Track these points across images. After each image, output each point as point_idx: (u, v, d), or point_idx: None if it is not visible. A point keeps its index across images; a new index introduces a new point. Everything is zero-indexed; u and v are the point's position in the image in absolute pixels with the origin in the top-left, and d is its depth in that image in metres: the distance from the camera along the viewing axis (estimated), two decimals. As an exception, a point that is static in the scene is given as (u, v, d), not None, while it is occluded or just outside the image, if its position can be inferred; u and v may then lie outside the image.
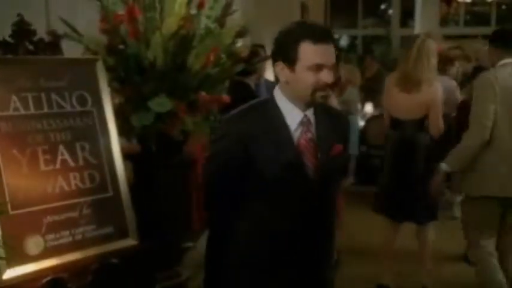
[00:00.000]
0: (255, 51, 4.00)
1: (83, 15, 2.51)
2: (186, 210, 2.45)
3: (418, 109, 3.49)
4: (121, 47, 2.28)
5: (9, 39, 1.96)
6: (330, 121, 1.83)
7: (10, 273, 1.70)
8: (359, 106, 6.65)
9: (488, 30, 3.47)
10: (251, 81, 3.98)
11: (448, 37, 7.66)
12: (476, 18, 10.09)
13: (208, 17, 2.40)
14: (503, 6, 9.85)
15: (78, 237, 1.90)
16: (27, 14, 2.01)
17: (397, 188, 3.59)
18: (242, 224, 1.78)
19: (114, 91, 2.25)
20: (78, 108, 2.02)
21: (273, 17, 4.99)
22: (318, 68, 1.65)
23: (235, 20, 2.50)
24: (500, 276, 3.07)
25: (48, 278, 1.79)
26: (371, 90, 6.42)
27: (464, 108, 3.76)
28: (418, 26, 8.99)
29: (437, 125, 3.51)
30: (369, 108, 6.76)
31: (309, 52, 1.65)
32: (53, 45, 2.08)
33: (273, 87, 1.81)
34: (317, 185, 1.76)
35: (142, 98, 2.24)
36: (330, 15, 10.40)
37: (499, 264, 3.16)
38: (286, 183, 1.73)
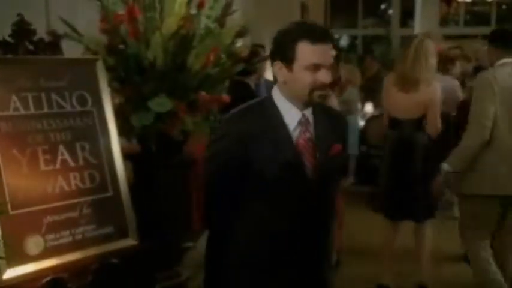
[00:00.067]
0: (255, 51, 4.01)
1: (83, 15, 2.51)
2: (186, 210, 2.45)
3: (416, 109, 3.50)
4: (121, 47, 2.28)
5: (9, 39, 1.96)
6: (328, 121, 1.83)
7: (10, 273, 1.70)
8: (359, 106, 6.66)
9: (488, 30, 3.47)
10: (251, 81, 3.98)
11: (448, 37, 7.66)
12: (476, 18, 10.09)
13: (208, 17, 2.40)
14: (503, 6, 9.86)
15: (78, 237, 1.90)
16: (27, 14, 2.01)
17: (396, 188, 3.60)
18: (242, 224, 1.78)
19: (114, 91, 2.25)
20: (78, 108, 2.02)
21: (273, 17, 4.99)
22: (316, 67, 1.66)
23: (235, 20, 2.50)
24: (499, 275, 3.07)
25: (48, 278, 1.79)
26: (371, 90, 6.42)
27: (464, 108, 3.76)
28: (418, 26, 8.99)
29: (435, 125, 3.52)
30: (368, 108, 6.77)
31: (306, 52, 1.65)
32: (53, 45, 2.08)
33: (273, 87, 1.81)
34: (316, 184, 1.76)
35: (142, 98, 2.23)
36: (330, 15, 10.41)
37: (498, 265, 3.17)
38: (285, 183, 1.73)
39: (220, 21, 2.41)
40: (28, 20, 1.99)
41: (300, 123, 1.75)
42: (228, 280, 1.81)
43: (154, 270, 2.37)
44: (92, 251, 1.91)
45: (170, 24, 2.22)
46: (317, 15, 9.15)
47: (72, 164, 1.94)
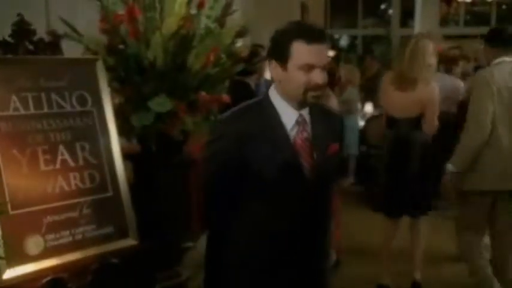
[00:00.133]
0: (255, 51, 4.01)
1: (83, 15, 2.52)
2: (186, 210, 2.45)
3: (413, 107, 3.50)
4: (121, 47, 2.28)
5: (9, 39, 1.97)
6: (325, 121, 1.83)
7: (10, 273, 1.70)
8: (359, 106, 6.67)
9: (488, 30, 3.49)
10: (251, 81, 3.99)
11: (448, 37, 7.67)
12: (476, 18, 10.10)
13: (208, 17, 2.40)
14: (503, 6, 9.86)
15: (78, 237, 1.90)
16: (27, 14, 2.01)
17: (395, 186, 3.60)
18: (241, 224, 1.78)
19: (114, 91, 2.25)
20: (78, 108, 2.02)
21: (273, 17, 4.99)
22: (310, 68, 1.65)
23: (235, 20, 2.50)
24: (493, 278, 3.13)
25: (48, 278, 1.79)
26: (371, 90, 6.42)
27: (463, 107, 3.77)
28: (418, 26, 8.99)
29: (432, 124, 3.54)
30: (368, 108, 6.77)
31: (301, 51, 1.65)
32: (53, 45, 2.08)
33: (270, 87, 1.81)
34: (313, 184, 1.76)
35: (142, 98, 2.24)
36: (330, 15, 10.42)
37: (498, 265, 3.19)
38: (282, 182, 1.73)
39: (220, 21, 2.41)
40: (28, 20, 2.00)
41: (297, 123, 1.75)
42: (228, 280, 1.81)
43: (154, 270, 2.37)
44: (92, 251, 1.91)
45: (170, 24, 2.22)
46: (317, 15, 9.16)
47: (72, 164, 1.94)
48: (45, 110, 1.93)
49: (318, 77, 1.66)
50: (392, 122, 3.63)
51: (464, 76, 5.37)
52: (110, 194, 2.03)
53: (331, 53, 8.96)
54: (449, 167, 3.09)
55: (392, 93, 3.55)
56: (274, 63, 1.72)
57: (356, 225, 4.72)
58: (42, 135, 1.89)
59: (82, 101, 2.04)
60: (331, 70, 4.35)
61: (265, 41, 1.77)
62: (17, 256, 1.73)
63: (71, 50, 2.24)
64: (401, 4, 10.14)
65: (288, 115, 1.75)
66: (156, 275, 2.38)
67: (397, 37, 9.56)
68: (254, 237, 1.78)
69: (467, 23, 9.96)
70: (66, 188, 1.91)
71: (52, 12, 2.55)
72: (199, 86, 2.34)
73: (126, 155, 2.16)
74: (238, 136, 1.71)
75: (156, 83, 2.24)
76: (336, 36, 11.07)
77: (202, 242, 2.04)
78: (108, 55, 2.24)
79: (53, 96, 1.96)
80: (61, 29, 2.18)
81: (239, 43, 2.52)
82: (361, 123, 6.53)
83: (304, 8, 8.04)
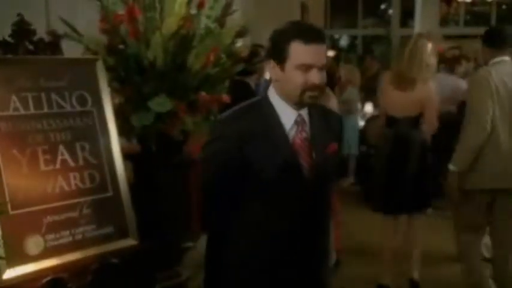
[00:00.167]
0: (255, 51, 4.01)
1: (83, 15, 2.52)
2: (186, 210, 2.45)
3: (412, 107, 3.51)
4: (121, 47, 2.28)
5: (9, 39, 1.97)
6: (324, 120, 1.83)
7: (10, 273, 1.70)
8: (359, 106, 6.66)
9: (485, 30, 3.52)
10: (251, 81, 3.98)
11: (448, 37, 7.66)
12: (476, 18, 10.09)
13: (208, 17, 2.40)
14: (503, 6, 9.85)
15: (78, 237, 1.90)
16: (27, 14, 2.01)
17: (394, 185, 3.61)
18: (241, 224, 1.77)
19: (114, 91, 2.25)
20: (78, 108, 2.02)
21: (273, 17, 4.97)
22: (307, 68, 1.65)
23: (235, 20, 2.50)
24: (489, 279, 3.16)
25: (48, 278, 1.79)
26: (371, 90, 6.41)
27: (463, 106, 3.78)
28: (418, 26, 8.98)
29: (432, 123, 3.55)
30: (368, 108, 6.76)
31: (298, 51, 1.65)
32: (53, 45, 2.08)
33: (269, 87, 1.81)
34: (312, 184, 1.76)
35: (142, 98, 2.24)
36: (330, 15, 10.42)
37: (498, 265, 3.20)
38: (282, 182, 1.73)
39: (220, 21, 2.41)
40: (28, 20, 2.00)
41: (296, 123, 1.75)
42: (228, 280, 1.81)
43: (154, 270, 2.37)
44: (92, 251, 1.91)
45: (170, 24, 2.22)
46: (317, 15, 9.16)
47: (72, 164, 1.94)
48: (45, 110, 1.93)
49: (316, 77, 1.66)
50: (391, 121, 3.64)
51: (465, 76, 5.38)
52: (110, 194, 2.03)
53: (331, 53, 8.98)
54: (451, 167, 3.09)
55: (392, 92, 3.56)
56: (272, 63, 1.72)
57: (356, 225, 4.72)
58: (42, 135, 1.89)
59: (82, 101, 2.04)
60: (331, 70, 4.37)
61: (265, 41, 1.76)
62: (17, 256, 1.73)
63: (71, 50, 2.24)
64: (401, 4, 10.13)
65: (287, 115, 1.75)
66: (156, 275, 2.38)
67: (397, 37, 9.54)
68: (254, 237, 1.78)
69: (467, 23, 9.95)
70: (66, 188, 1.91)
71: (52, 12, 2.56)
72: (199, 86, 2.34)
73: (126, 155, 2.16)
74: (238, 136, 1.71)
75: (156, 83, 2.24)
76: (336, 36, 11.07)
77: (202, 242, 2.04)
78: (108, 55, 2.24)
79: (53, 96, 1.96)
80: (61, 29, 2.18)
81: (239, 43, 2.52)
82: (361, 123, 6.53)
83: (304, 8, 8.04)
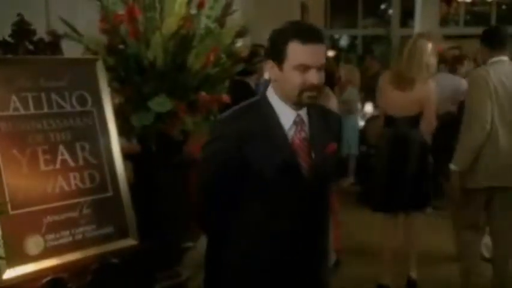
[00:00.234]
0: (255, 51, 4.01)
1: (83, 15, 2.52)
2: (186, 210, 2.45)
3: (411, 106, 3.52)
4: (121, 47, 2.28)
5: (9, 39, 1.97)
6: (323, 120, 1.83)
7: (10, 273, 1.70)
8: (359, 106, 6.66)
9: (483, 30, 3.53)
10: (251, 81, 3.98)
11: (448, 37, 7.66)
12: (476, 18, 10.09)
13: (208, 17, 2.40)
14: (503, 6, 9.85)
15: (78, 237, 1.90)
16: (27, 14, 2.01)
17: (394, 185, 3.61)
18: (242, 224, 1.78)
19: (114, 91, 2.25)
20: (78, 108, 2.02)
21: (273, 17, 4.97)
22: (305, 68, 1.65)
23: (235, 20, 2.50)
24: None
25: (48, 278, 1.79)
26: (371, 90, 6.41)
27: (463, 106, 3.79)
28: (418, 26, 8.97)
29: (430, 122, 3.57)
30: (368, 108, 6.77)
31: (296, 52, 1.65)
32: (53, 45, 2.08)
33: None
34: (311, 184, 1.76)
35: (142, 98, 2.24)
36: (330, 15, 10.42)
37: (499, 265, 3.20)
38: (281, 182, 1.73)
39: (220, 21, 2.41)
40: (28, 20, 2.00)
41: (295, 123, 1.75)
42: (228, 280, 1.81)
43: (154, 270, 2.37)
44: (92, 251, 1.91)
45: (170, 24, 2.22)
46: (317, 15, 9.16)
47: (72, 164, 1.94)
48: (45, 110, 1.93)
49: (314, 77, 1.66)
50: (390, 120, 3.65)
51: (465, 76, 5.38)
52: (110, 194, 2.03)
53: (331, 53, 8.98)
54: (452, 167, 3.10)
55: (391, 92, 3.56)
56: (271, 63, 1.72)
57: (356, 225, 4.72)
58: (42, 135, 1.89)
59: (82, 101, 2.04)
60: (330, 70, 4.36)
61: (265, 41, 1.77)
62: (17, 256, 1.73)
63: (71, 50, 2.24)
64: (401, 4, 10.13)
65: (286, 115, 1.75)
66: (156, 275, 2.38)
67: (397, 37, 9.54)
68: (254, 237, 1.78)
69: (467, 23, 9.95)
70: (66, 188, 1.91)
71: (52, 12, 2.55)
72: (199, 86, 2.34)
73: (126, 155, 2.16)
74: (238, 136, 1.71)
75: (156, 83, 2.24)
76: (336, 36, 11.07)
77: (202, 242, 2.04)
78: (108, 55, 2.24)
79: (53, 96, 1.96)
80: (61, 29, 2.18)
81: (239, 43, 2.52)
82: (361, 123, 6.53)
83: (304, 8, 8.04)
